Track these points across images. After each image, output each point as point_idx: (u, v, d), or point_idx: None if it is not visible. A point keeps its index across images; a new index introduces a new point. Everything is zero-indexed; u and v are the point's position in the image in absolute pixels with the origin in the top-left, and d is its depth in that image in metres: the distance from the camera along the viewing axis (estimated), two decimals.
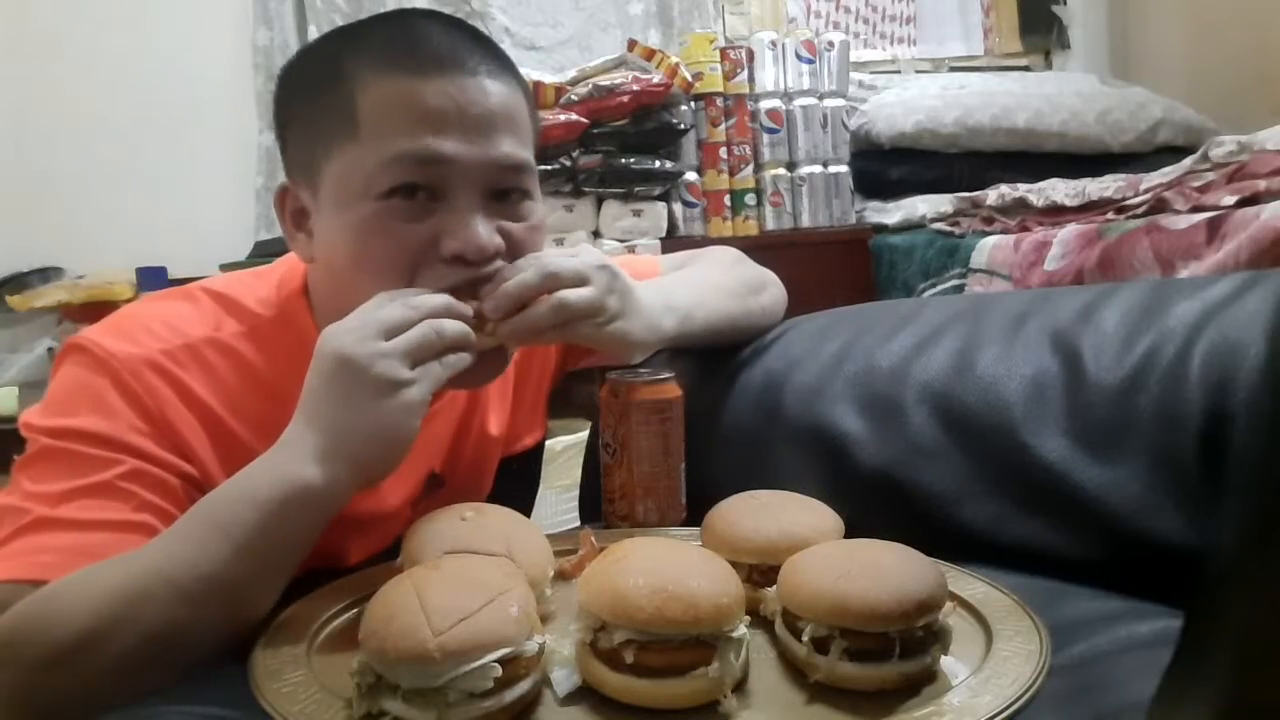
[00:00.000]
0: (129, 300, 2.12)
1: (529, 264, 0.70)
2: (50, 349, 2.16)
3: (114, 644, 0.56)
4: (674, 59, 2.22)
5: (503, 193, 0.71)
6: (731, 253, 0.99)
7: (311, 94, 0.72)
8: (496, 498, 0.87)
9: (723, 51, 2.34)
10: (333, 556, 0.75)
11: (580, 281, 0.70)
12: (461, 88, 0.68)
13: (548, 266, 0.70)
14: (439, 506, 0.81)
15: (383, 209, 0.68)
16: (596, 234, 2.18)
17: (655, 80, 2.11)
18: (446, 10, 2.65)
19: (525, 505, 1.01)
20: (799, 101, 2.41)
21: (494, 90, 0.70)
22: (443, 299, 0.65)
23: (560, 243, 2.12)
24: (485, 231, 0.69)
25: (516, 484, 0.95)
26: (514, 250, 0.72)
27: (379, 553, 0.79)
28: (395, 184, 0.67)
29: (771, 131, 2.38)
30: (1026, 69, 3.02)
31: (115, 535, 0.62)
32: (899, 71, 2.96)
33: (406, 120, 0.67)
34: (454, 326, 0.64)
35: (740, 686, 0.54)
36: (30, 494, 0.64)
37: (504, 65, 0.73)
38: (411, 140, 0.67)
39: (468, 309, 0.67)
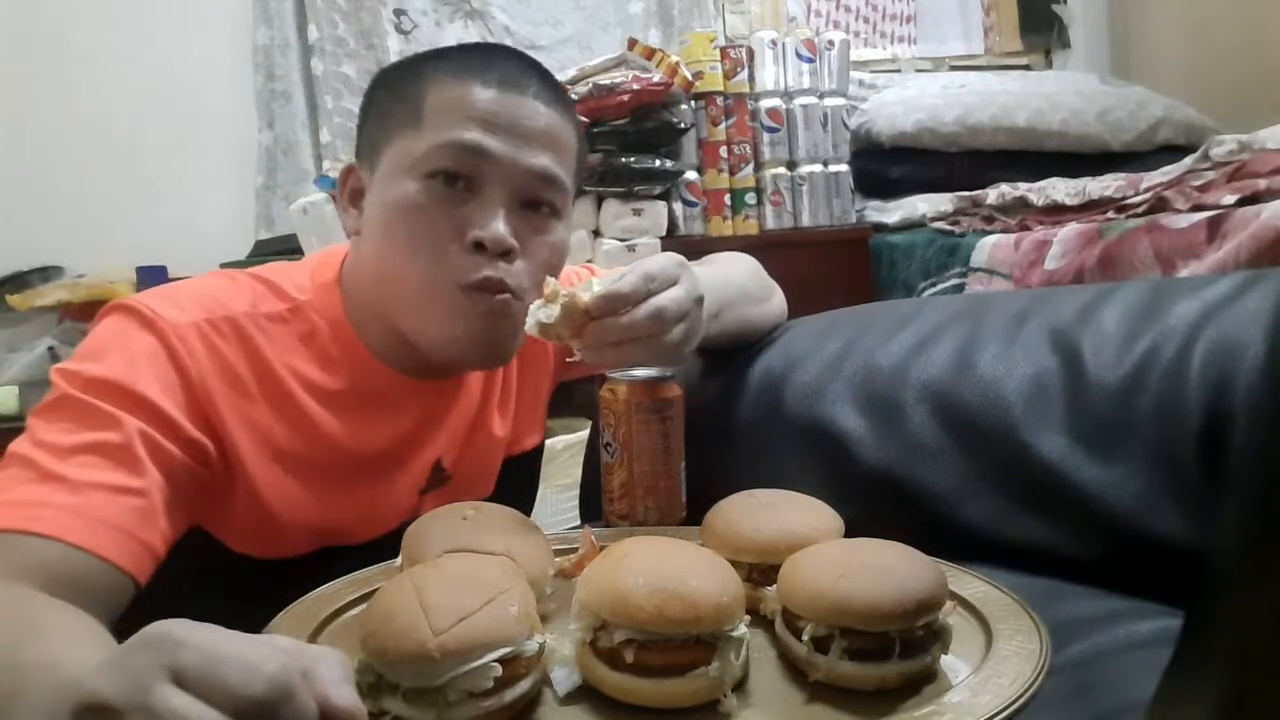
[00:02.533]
0: None
1: (633, 282, 0.68)
2: (51, 348, 2.16)
3: None
4: (674, 58, 2.21)
5: (534, 204, 0.77)
6: (749, 259, 1.01)
7: (392, 91, 0.79)
8: (498, 498, 0.88)
9: (723, 50, 2.33)
10: (343, 535, 0.81)
11: (681, 318, 0.71)
12: (518, 103, 0.76)
13: (660, 308, 0.68)
14: (444, 499, 0.85)
15: (424, 188, 0.74)
16: (597, 233, 2.18)
17: (655, 79, 2.11)
18: (447, 9, 2.65)
19: (526, 506, 1.02)
20: (799, 100, 2.41)
21: (545, 113, 0.77)
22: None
23: None
24: (505, 228, 0.74)
25: (518, 485, 0.97)
26: (527, 258, 0.76)
27: (385, 535, 0.82)
28: (439, 166, 0.74)
29: (772, 130, 2.37)
30: (1027, 68, 3.02)
31: (111, 498, 0.63)
32: (899, 70, 2.96)
33: (462, 117, 0.74)
34: None
35: (740, 686, 0.54)
36: (40, 442, 0.65)
37: (562, 100, 0.80)
38: (462, 132, 0.74)
39: None
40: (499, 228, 0.74)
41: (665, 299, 0.69)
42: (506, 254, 0.74)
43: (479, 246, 0.73)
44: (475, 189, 0.75)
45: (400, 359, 0.80)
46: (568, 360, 0.91)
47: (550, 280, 0.70)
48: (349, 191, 0.82)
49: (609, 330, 0.68)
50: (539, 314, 0.69)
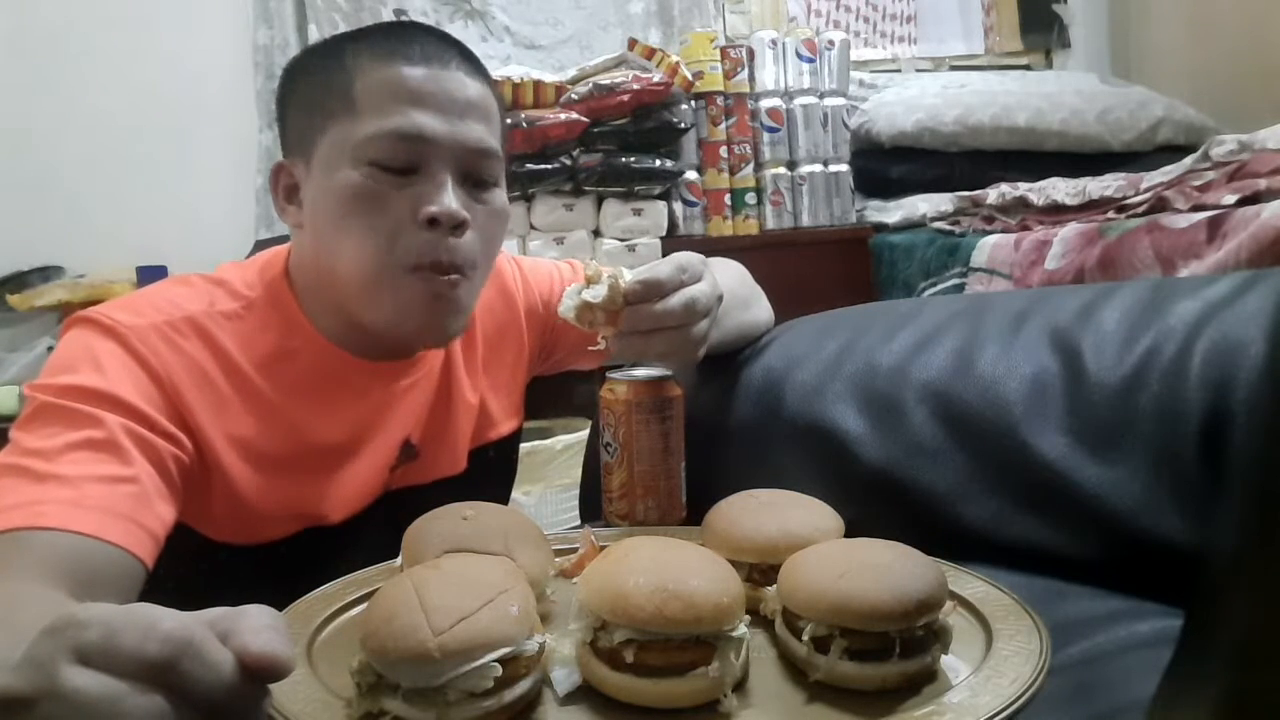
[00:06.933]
0: None
1: (669, 271, 0.70)
2: (50, 348, 2.16)
3: None
4: (674, 58, 2.22)
5: (475, 178, 0.79)
6: (736, 264, 1.01)
7: (314, 80, 0.79)
8: (472, 483, 0.88)
9: (723, 50, 2.34)
10: (319, 517, 0.82)
11: (707, 312, 0.73)
12: (445, 77, 0.77)
13: (693, 298, 0.71)
14: (414, 474, 0.88)
15: (367, 174, 0.75)
16: (597, 233, 2.18)
17: (656, 79, 2.11)
18: (447, 9, 2.65)
19: (503, 494, 1.03)
20: (799, 100, 2.41)
21: (471, 85, 0.78)
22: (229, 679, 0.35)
23: (560, 242, 2.12)
24: (456, 202, 0.75)
25: (492, 471, 0.97)
26: (475, 229, 0.77)
27: (360, 511, 0.84)
28: (382, 157, 0.74)
29: (772, 130, 2.38)
30: (1027, 68, 3.02)
31: (107, 487, 0.65)
32: (899, 70, 2.96)
33: (395, 100, 0.75)
34: None
35: (740, 686, 0.54)
36: (29, 450, 0.66)
37: (481, 72, 0.81)
38: (399, 117, 0.74)
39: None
40: (450, 202, 0.74)
41: (696, 290, 0.72)
42: (459, 227, 0.75)
43: (432, 223, 0.74)
44: (417, 170, 0.75)
45: (356, 343, 0.82)
46: (590, 349, 0.92)
47: (590, 263, 0.72)
48: (283, 189, 0.82)
49: (643, 317, 0.70)
50: (583, 294, 0.70)
